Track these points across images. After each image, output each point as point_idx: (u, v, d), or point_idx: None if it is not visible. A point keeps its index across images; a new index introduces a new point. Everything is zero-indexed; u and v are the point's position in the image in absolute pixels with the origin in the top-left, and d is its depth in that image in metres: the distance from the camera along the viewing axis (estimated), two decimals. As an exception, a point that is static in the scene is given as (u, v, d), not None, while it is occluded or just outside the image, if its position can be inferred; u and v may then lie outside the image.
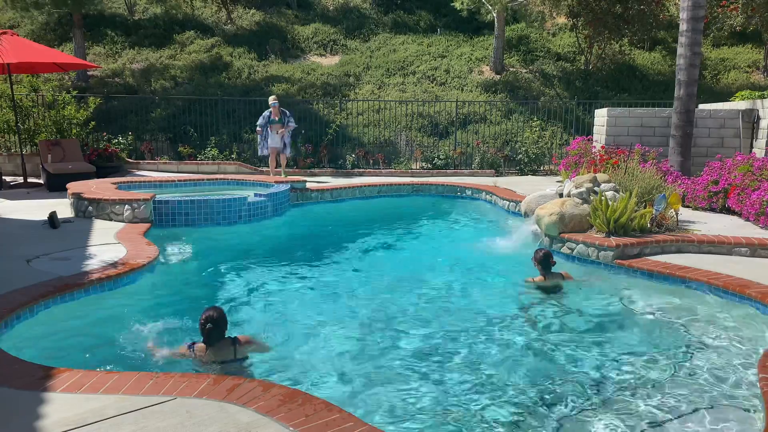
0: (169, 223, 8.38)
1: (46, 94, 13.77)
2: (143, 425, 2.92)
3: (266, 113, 12.15)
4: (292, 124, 12.23)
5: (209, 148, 14.47)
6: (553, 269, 6.32)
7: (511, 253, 7.72)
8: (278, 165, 12.53)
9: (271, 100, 12.19)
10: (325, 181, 12.45)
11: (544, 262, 6.24)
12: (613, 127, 12.14)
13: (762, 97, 12.55)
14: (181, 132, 15.45)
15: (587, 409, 3.87)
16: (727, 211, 8.75)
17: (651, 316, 5.52)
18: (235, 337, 4.43)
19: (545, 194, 8.45)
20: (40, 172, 12.18)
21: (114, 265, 5.82)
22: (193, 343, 4.37)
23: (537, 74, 19.34)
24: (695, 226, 7.69)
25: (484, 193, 11.29)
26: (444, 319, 5.57)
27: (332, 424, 2.86)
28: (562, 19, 21.21)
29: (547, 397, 4.04)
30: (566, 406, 3.91)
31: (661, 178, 8.98)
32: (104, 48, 19.58)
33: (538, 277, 6.28)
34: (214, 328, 4.26)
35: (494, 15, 18.73)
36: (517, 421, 3.74)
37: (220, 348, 4.31)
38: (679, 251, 6.86)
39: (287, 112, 12.29)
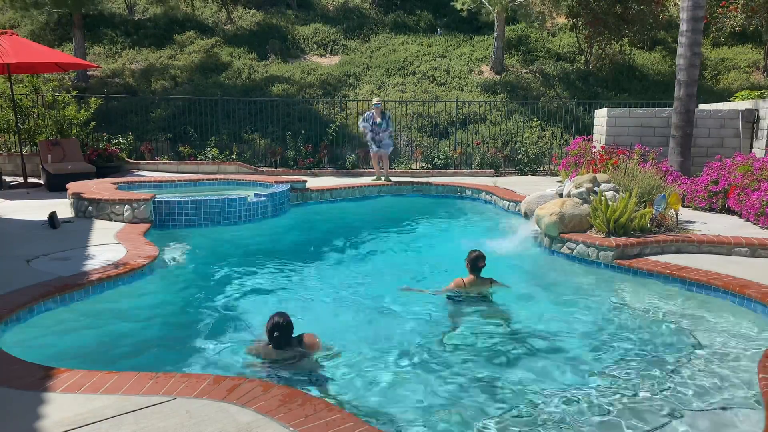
0: (169, 223, 8.38)
1: (46, 94, 13.77)
2: (143, 425, 2.92)
3: (368, 114, 12.09)
4: (390, 128, 12.09)
5: (209, 148, 14.47)
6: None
7: (511, 253, 7.72)
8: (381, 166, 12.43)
9: (375, 101, 12.14)
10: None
11: (474, 264, 5.87)
12: (613, 127, 12.14)
13: (762, 97, 12.55)
14: (181, 132, 15.45)
15: (586, 410, 3.86)
16: (727, 211, 8.75)
17: (650, 317, 5.52)
18: (300, 336, 4.47)
19: (545, 194, 8.45)
20: (40, 172, 12.18)
21: (114, 265, 5.82)
22: (261, 342, 4.45)
23: (537, 74, 19.34)
24: (695, 226, 7.69)
25: (484, 193, 11.29)
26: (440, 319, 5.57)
27: (332, 424, 2.86)
28: (562, 19, 21.22)
29: (543, 396, 4.04)
30: (564, 406, 3.91)
31: (661, 178, 8.98)
32: (104, 48, 19.58)
33: (467, 278, 5.91)
34: (281, 335, 4.31)
35: (494, 15, 18.73)
36: (514, 421, 3.74)
37: (288, 348, 4.38)
38: (679, 251, 6.86)
39: (387, 114, 12.13)
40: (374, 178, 12.48)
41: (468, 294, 5.85)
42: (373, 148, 12.18)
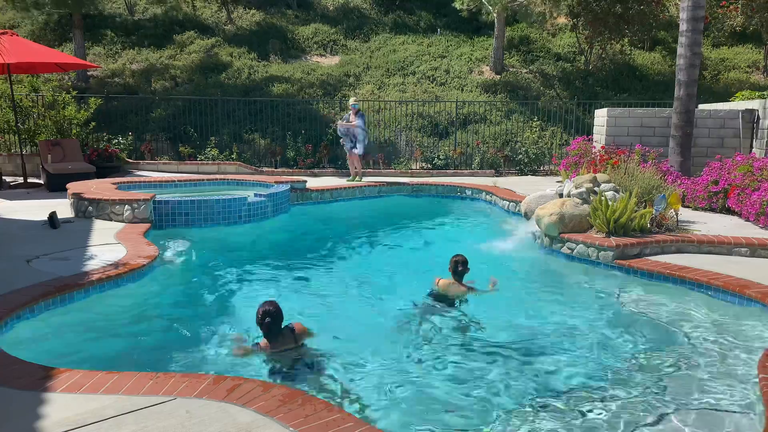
0: (169, 224, 8.38)
1: (46, 94, 13.77)
2: (143, 425, 2.92)
3: (345, 116, 12.15)
4: (358, 125, 11.93)
5: (209, 148, 14.47)
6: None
7: (511, 253, 7.72)
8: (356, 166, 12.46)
9: (351, 101, 12.16)
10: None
11: (454, 268, 5.86)
12: (613, 127, 12.13)
13: (762, 97, 12.55)
14: (181, 132, 15.45)
15: (584, 409, 3.86)
16: (727, 211, 8.75)
17: (650, 317, 5.51)
18: (291, 325, 4.53)
19: (545, 194, 8.45)
20: (40, 172, 12.18)
21: (114, 265, 5.82)
22: (257, 343, 4.48)
23: (537, 74, 19.34)
24: (695, 226, 7.69)
25: (484, 193, 11.28)
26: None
27: (332, 425, 2.86)
28: (562, 20, 21.21)
29: (541, 396, 4.04)
30: (562, 406, 3.91)
31: (661, 178, 8.98)
32: (104, 48, 19.58)
33: (445, 280, 5.91)
34: (272, 321, 4.34)
35: (494, 15, 18.73)
36: (513, 418, 3.74)
37: (281, 338, 4.41)
38: (679, 251, 6.86)
39: (361, 113, 12.03)
40: (349, 178, 12.47)
41: (446, 296, 5.83)
42: (347, 146, 12.19)
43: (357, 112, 11.95)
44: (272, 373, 4.24)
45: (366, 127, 12.18)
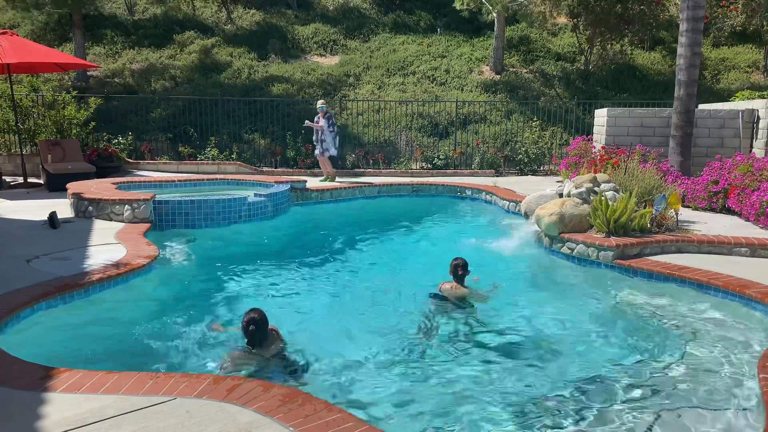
0: (169, 224, 8.37)
1: (46, 94, 13.77)
2: (143, 425, 2.92)
3: (315, 118, 12.22)
4: (328, 130, 12.03)
5: (209, 148, 14.47)
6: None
7: (511, 253, 7.72)
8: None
9: (318, 104, 12.17)
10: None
11: (454, 271, 5.87)
12: (613, 127, 12.14)
13: (762, 97, 12.56)
14: (181, 132, 15.45)
15: (584, 409, 3.86)
16: (727, 211, 8.75)
17: (650, 317, 5.51)
18: (273, 330, 4.53)
19: (545, 194, 8.45)
20: (40, 172, 12.18)
21: (114, 265, 5.82)
22: (240, 348, 4.48)
23: (537, 74, 19.34)
24: (695, 226, 7.69)
25: (484, 193, 11.28)
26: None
27: (332, 424, 2.86)
28: (562, 19, 21.22)
29: (541, 397, 4.04)
30: (563, 408, 3.91)
31: (661, 178, 8.98)
32: (104, 48, 19.59)
33: (449, 284, 5.91)
34: (257, 329, 4.35)
35: (494, 15, 18.73)
36: (513, 418, 3.74)
37: (267, 344, 4.43)
38: (679, 251, 6.86)
39: (327, 115, 12.09)
40: (322, 179, 12.49)
41: (447, 299, 5.82)
42: (318, 149, 12.29)
43: (325, 115, 12.02)
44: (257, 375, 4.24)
45: (335, 129, 12.22)
